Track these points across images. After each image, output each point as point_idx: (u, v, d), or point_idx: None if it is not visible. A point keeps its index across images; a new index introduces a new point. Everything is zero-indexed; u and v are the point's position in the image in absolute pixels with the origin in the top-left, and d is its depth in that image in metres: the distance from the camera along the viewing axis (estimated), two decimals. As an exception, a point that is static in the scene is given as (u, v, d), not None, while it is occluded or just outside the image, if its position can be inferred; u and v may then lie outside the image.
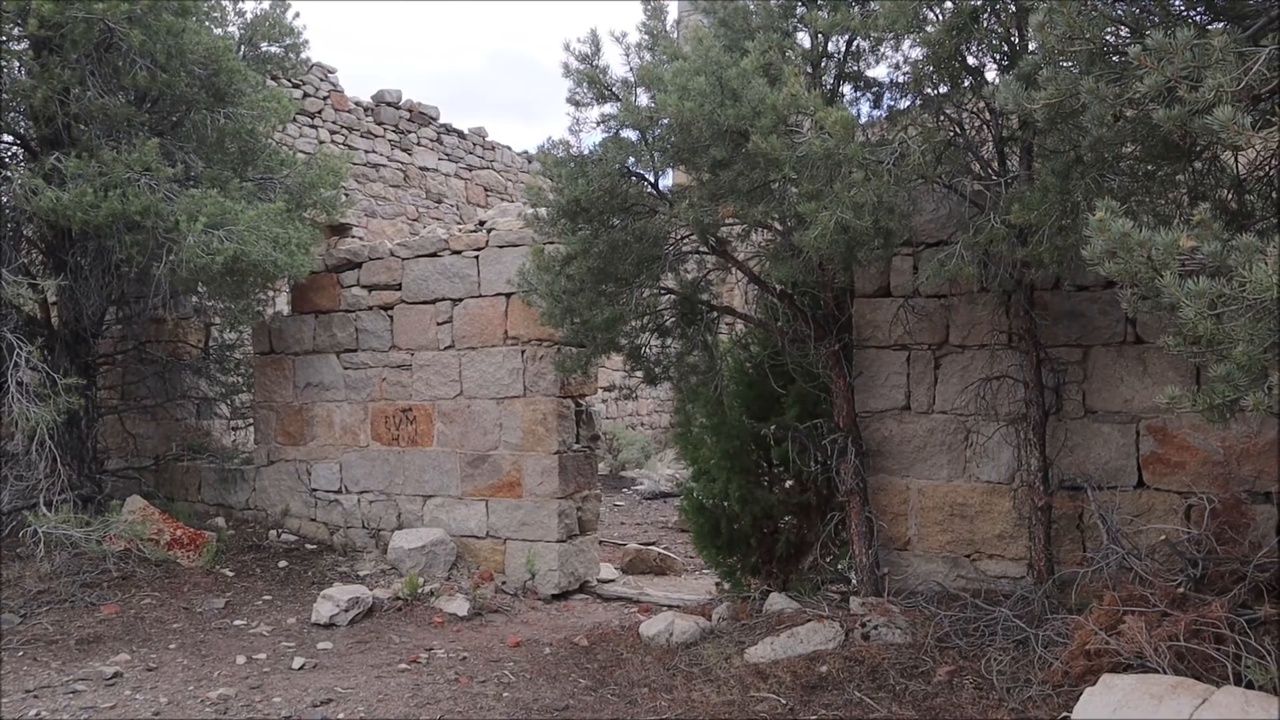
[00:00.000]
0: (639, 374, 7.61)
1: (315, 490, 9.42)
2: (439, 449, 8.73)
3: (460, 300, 8.64)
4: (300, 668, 6.23)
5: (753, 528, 7.43)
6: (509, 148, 19.06)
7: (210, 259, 7.53)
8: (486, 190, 18.20)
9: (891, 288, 6.63)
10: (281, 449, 9.65)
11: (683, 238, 6.63)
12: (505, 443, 8.38)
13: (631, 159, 6.15)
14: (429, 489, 8.78)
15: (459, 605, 7.55)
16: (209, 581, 8.06)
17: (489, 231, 8.54)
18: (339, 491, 9.27)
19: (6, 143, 8.59)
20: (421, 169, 16.71)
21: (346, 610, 7.17)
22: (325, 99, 14.64)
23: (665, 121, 5.66)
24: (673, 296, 7.04)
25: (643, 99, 5.93)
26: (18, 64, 7.96)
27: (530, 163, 19.66)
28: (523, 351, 8.30)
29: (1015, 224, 5.03)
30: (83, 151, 7.61)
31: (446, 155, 17.32)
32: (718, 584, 9.11)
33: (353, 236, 13.15)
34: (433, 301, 8.79)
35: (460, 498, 8.61)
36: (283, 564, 8.64)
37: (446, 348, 8.70)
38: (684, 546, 11.08)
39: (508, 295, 8.38)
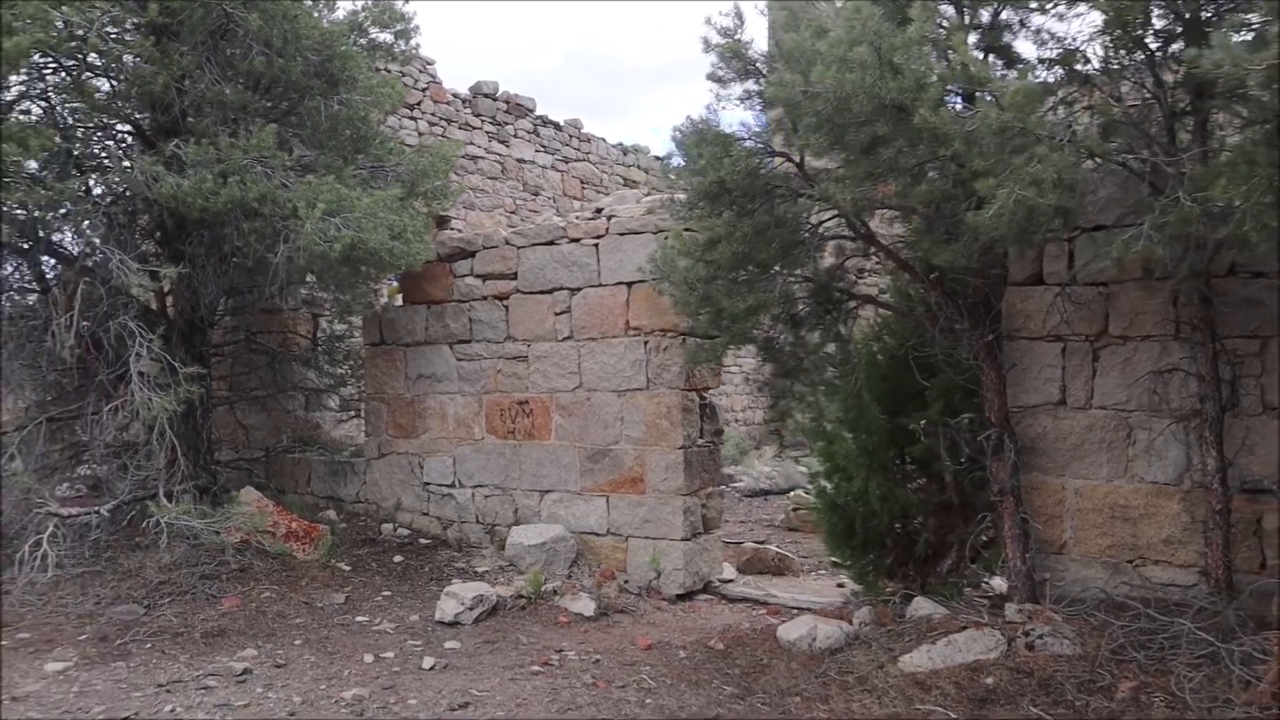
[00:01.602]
0: (769, 367, 7.28)
1: (428, 484, 9.23)
2: (557, 443, 8.48)
3: (579, 290, 8.37)
4: (431, 668, 6.00)
5: (888, 528, 7.08)
6: (604, 139, 18.82)
7: (328, 246, 7.35)
8: (583, 183, 17.98)
9: (1045, 275, 6.21)
10: (393, 442, 9.48)
11: (822, 222, 6.28)
12: (627, 437, 8.10)
13: (779, 137, 5.83)
14: (546, 484, 8.53)
15: (584, 605, 7.28)
16: (326, 576, 7.90)
17: (609, 219, 8.27)
18: (452, 486, 9.07)
19: (122, 132, 8.50)
20: (519, 161, 16.53)
21: (471, 609, 6.94)
22: (424, 90, 14.51)
23: (820, 96, 5.29)
24: (809, 284, 6.69)
25: (788, 75, 5.58)
26: (133, 56, 7.85)
27: (625, 155, 19.42)
28: (645, 343, 8.01)
29: (1215, 201, 4.59)
30: (199, 139, 7.47)
31: (543, 147, 17.13)
32: (840, 585, 8.79)
33: (452, 228, 13.01)
34: (550, 291, 8.54)
35: (579, 493, 8.35)
36: (398, 559, 8.46)
37: (565, 339, 8.44)
38: (794, 545, 10.72)
39: (629, 284, 8.09)
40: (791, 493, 14.16)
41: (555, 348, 8.49)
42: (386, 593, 7.63)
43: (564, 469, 8.44)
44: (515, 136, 16.55)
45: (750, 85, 6.00)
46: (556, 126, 17.53)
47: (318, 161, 8.06)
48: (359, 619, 7.02)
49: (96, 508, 7.39)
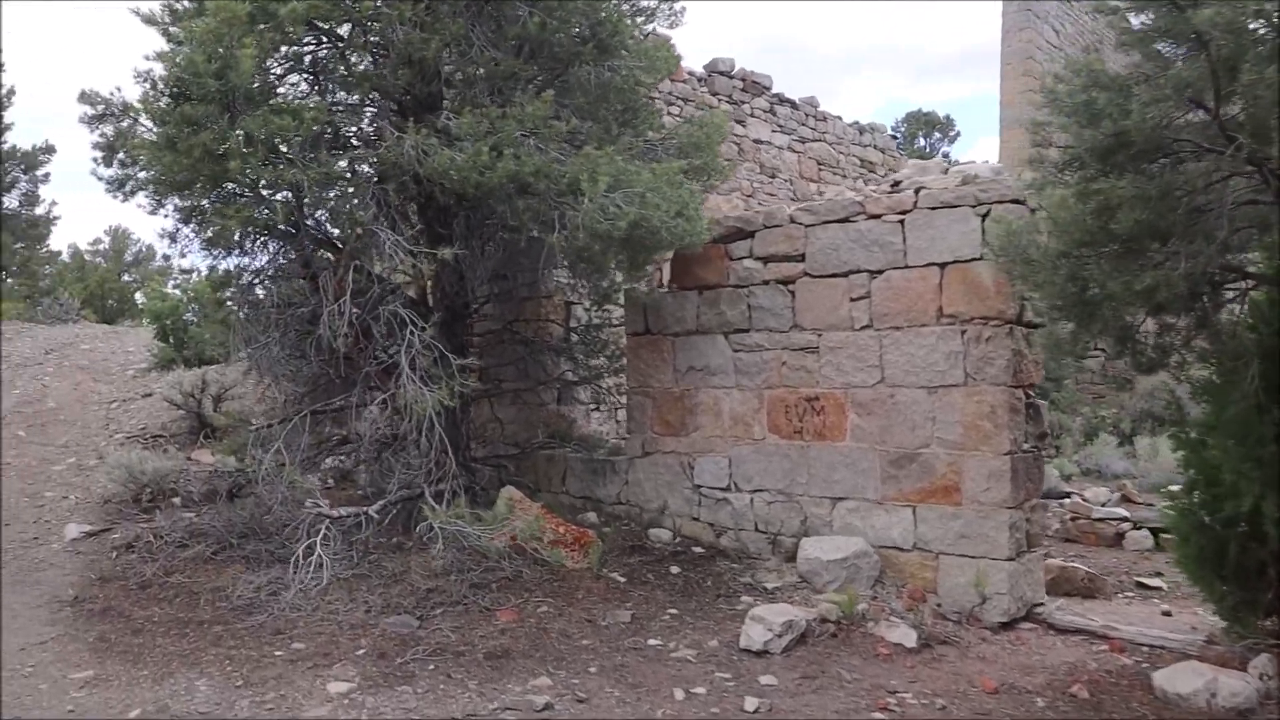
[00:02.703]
0: (1127, 359, 6.12)
1: (699, 487, 8.42)
2: (852, 444, 7.52)
3: (880, 272, 7.38)
4: (755, 711, 5.15)
5: (1275, 555, 5.84)
6: (839, 118, 17.74)
7: (610, 225, 6.61)
8: (819, 164, 16.97)
9: None
10: (658, 440, 8.71)
11: (1234, 186, 5.10)
12: (939, 440, 7.06)
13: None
14: (839, 490, 7.59)
15: (902, 634, 6.31)
16: (601, 588, 7.17)
17: (917, 192, 7.24)
18: (727, 489, 8.23)
19: (382, 107, 7.99)
20: (755, 142, 15.64)
21: (780, 635, 6.06)
22: (661, 67, 13.74)
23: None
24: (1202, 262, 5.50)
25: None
26: (402, 23, 7.29)
27: (861, 134, 18.29)
28: (963, 332, 6.96)
29: None
30: (463, 110, 6.84)
31: (779, 127, 16.18)
32: (1166, 613, 7.58)
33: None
34: (844, 274, 7.58)
35: (879, 502, 7.37)
36: (674, 570, 7.67)
37: (862, 327, 7.47)
38: (1079, 559, 9.43)
39: (942, 265, 7.06)
40: (1067, 499, 12.78)
41: (851, 337, 7.53)
42: (672, 610, 6.83)
43: (860, 474, 7.47)
44: (751, 116, 15.67)
45: (1145, 17, 4.90)
46: (793, 105, 16.56)
47: (591, 133, 7.34)
48: (651, 642, 6.24)
49: (365, 508, 6.87)
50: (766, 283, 8.02)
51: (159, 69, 6.29)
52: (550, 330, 9.84)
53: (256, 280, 7.76)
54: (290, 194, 6.47)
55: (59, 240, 44.51)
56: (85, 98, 7.76)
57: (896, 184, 7.76)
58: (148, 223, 74.74)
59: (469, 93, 7.11)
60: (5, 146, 25.91)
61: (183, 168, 6.12)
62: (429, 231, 7.87)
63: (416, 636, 6.15)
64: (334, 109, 7.19)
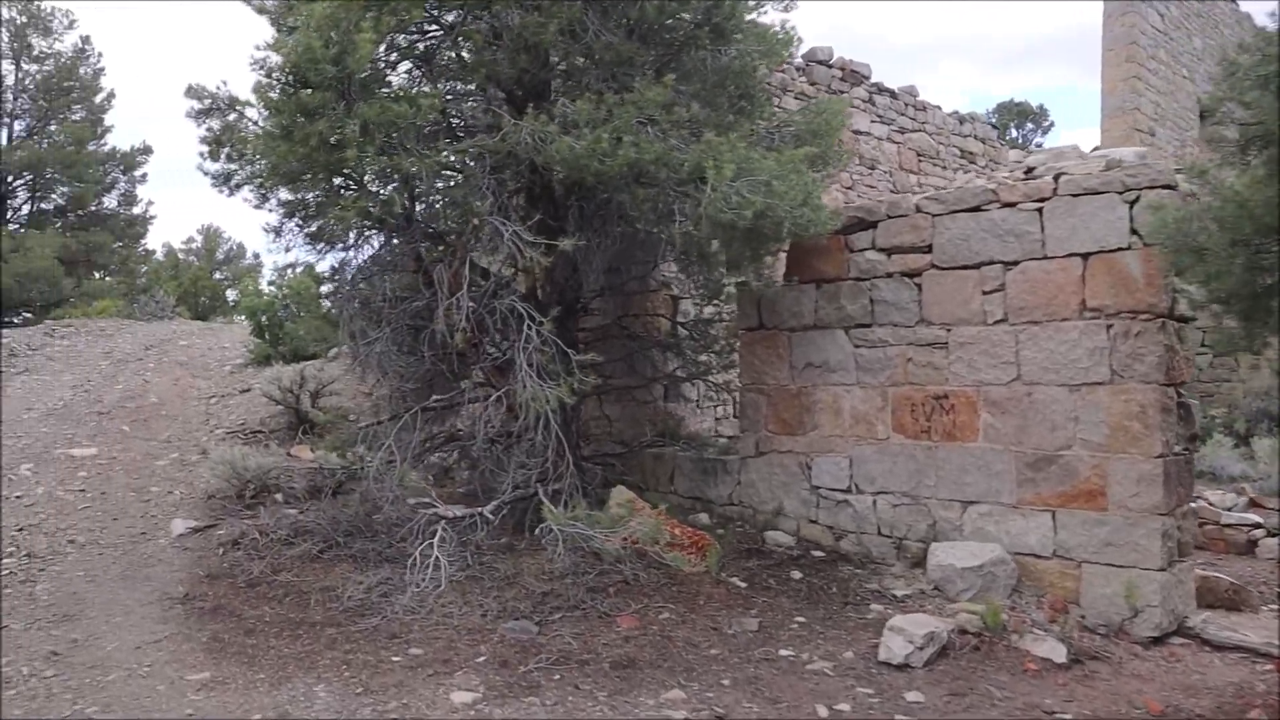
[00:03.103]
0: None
1: (816, 488, 8.08)
2: (985, 445, 7.13)
3: (1015, 264, 6.98)
4: (907, 731, 4.84)
5: None
6: (939, 108, 17.21)
7: (735, 214, 6.31)
8: (919, 155, 16.45)
9: None
10: (773, 439, 8.39)
11: None
12: (1082, 441, 6.65)
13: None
14: (970, 494, 7.20)
15: (1050, 648, 5.93)
16: (723, 594, 6.88)
17: (1056, 178, 6.83)
18: (848, 491, 7.88)
19: (486, 94, 7.77)
20: (854, 133, 15.18)
21: (921, 648, 5.71)
22: (760, 57, 13.39)
23: None
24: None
25: None
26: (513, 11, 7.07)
27: (961, 124, 17.74)
28: (1109, 327, 6.53)
29: None
30: (574, 97, 6.58)
31: (878, 117, 15.72)
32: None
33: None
34: (976, 266, 7.18)
35: (1014, 506, 6.97)
36: (795, 575, 7.35)
37: (996, 322, 7.07)
38: (1209, 568, 8.88)
39: (1085, 256, 6.64)
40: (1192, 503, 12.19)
41: (983, 332, 7.13)
42: (800, 619, 6.51)
43: (994, 477, 7.08)
44: (850, 106, 15.22)
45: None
46: (892, 94, 16.08)
47: (709, 119, 7.04)
48: (782, 653, 5.92)
49: (479, 509, 6.65)
50: (890, 275, 7.66)
51: (274, 58, 6.13)
52: (657, 325, 9.55)
53: (365, 274, 7.58)
54: (402, 185, 6.26)
55: (154, 239, 45.57)
56: (192, 91, 7.67)
57: (1029, 170, 7.35)
58: (240, 221, 76.06)
59: (583, 79, 6.85)
60: (105, 148, 26.47)
61: (298, 157, 5.95)
62: (541, 223, 7.64)
63: (537, 643, 5.92)
64: (444, 97, 6.99)
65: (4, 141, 26.07)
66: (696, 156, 6.45)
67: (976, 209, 7.19)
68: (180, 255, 35.60)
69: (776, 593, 7.00)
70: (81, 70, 26.94)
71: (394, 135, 5.94)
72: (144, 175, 28.28)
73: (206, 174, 8.02)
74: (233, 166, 7.90)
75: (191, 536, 8.58)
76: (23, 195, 26.74)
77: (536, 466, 6.72)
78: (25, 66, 26.29)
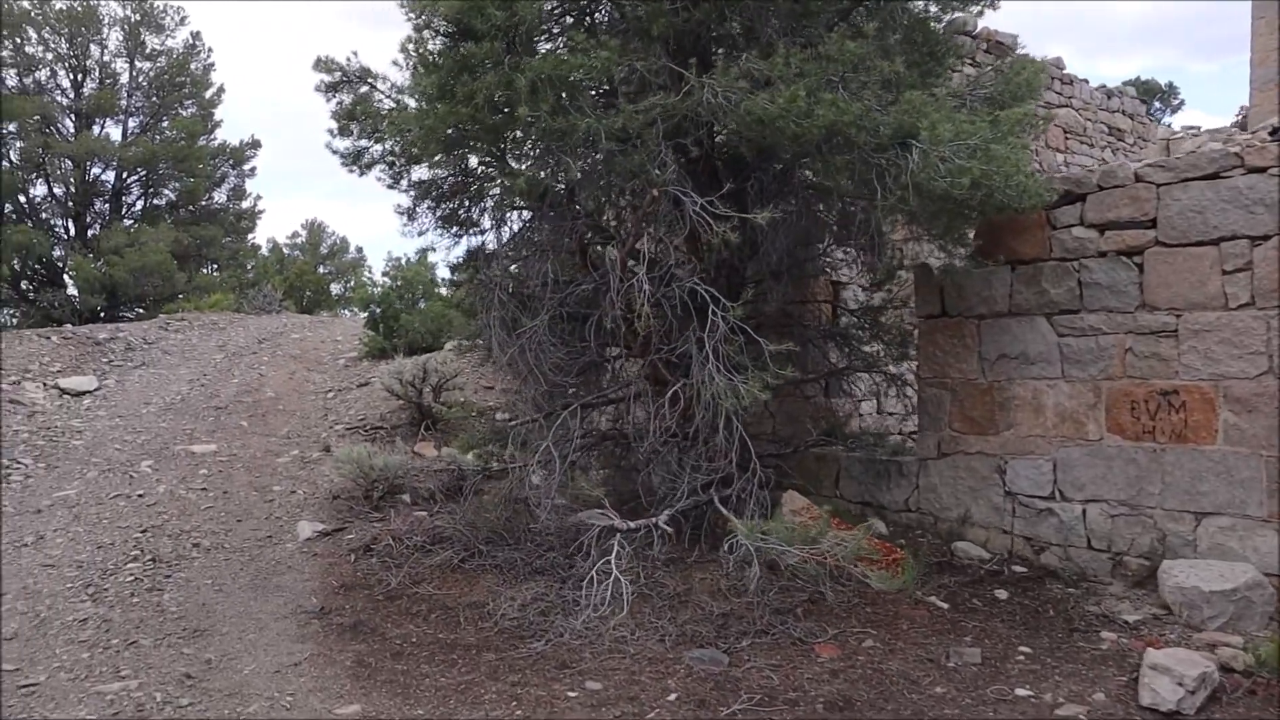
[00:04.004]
0: None
1: (1012, 494, 7.19)
2: (1226, 448, 6.17)
3: (1265, 238, 6.02)
4: (1211, 802, 3.97)
5: None
6: (1086, 82, 16.08)
7: (950, 182, 5.47)
8: (1065, 132, 15.35)
9: None
10: (959, 439, 7.51)
11: None
12: (1355, 444, 5.69)
13: None
14: (1206, 504, 6.25)
15: (1342, 692, 4.99)
16: (924, 617, 6.06)
17: (1317, 137, 5.87)
18: (1050, 498, 6.98)
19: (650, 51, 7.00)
20: (1000, 108, 14.16)
21: (1193, 692, 4.82)
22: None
23: None
24: None
25: None
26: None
27: (1109, 99, 16.57)
28: (1390, 309, 5.56)
29: None
30: (781, 46, 5.79)
31: (1025, 91, 14.64)
32: None
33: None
34: (1213, 242, 6.23)
35: (1265, 520, 6.01)
36: (1000, 594, 6.48)
37: (1240, 306, 6.11)
38: None
39: (1359, 227, 5.67)
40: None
41: (1224, 318, 6.18)
42: (1025, 649, 5.63)
43: (1237, 485, 6.12)
44: (996, 79, 14.19)
45: None
46: (1038, 67, 14.98)
47: (905, 79, 6.20)
48: (1019, 692, 5.06)
49: (651, 519, 5.91)
50: (1103, 254, 6.73)
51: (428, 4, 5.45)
52: (821, 313, 8.71)
53: (514, 258, 6.90)
54: (571, 152, 5.53)
55: (260, 234, 46.11)
56: (321, 64, 7.13)
57: (1275, 131, 6.38)
58: (343, 217, 76.85)
59: (764, 31, 6.05)
60: (215, 143, 26.48)
61: (459, 119, 5.25)
62: (730, 194, 6.82)
63: (732, 678, 5.15)
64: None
65: (120, 138, 26.21)
66: (898, 118, 5.63)
67: (1214, 176, 6.23)
68: (285, 250, 35.73)
69: (986, 615, 6.14)
70: (192, 66, 26.96)
71: (564, 95, 5.22)
72: (253, 169, 28.22)
73: (335, 152, 7.49)
74: (364, 143, 7.33)
75: (320, 541, 8.06)
76: (136, 191, 26.88)
77: (718, 471, 5.96)
78: (139, 64, 26.40)
